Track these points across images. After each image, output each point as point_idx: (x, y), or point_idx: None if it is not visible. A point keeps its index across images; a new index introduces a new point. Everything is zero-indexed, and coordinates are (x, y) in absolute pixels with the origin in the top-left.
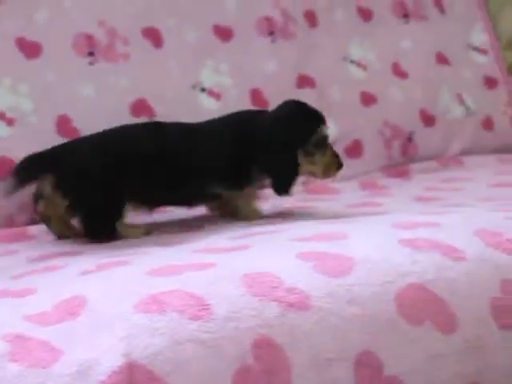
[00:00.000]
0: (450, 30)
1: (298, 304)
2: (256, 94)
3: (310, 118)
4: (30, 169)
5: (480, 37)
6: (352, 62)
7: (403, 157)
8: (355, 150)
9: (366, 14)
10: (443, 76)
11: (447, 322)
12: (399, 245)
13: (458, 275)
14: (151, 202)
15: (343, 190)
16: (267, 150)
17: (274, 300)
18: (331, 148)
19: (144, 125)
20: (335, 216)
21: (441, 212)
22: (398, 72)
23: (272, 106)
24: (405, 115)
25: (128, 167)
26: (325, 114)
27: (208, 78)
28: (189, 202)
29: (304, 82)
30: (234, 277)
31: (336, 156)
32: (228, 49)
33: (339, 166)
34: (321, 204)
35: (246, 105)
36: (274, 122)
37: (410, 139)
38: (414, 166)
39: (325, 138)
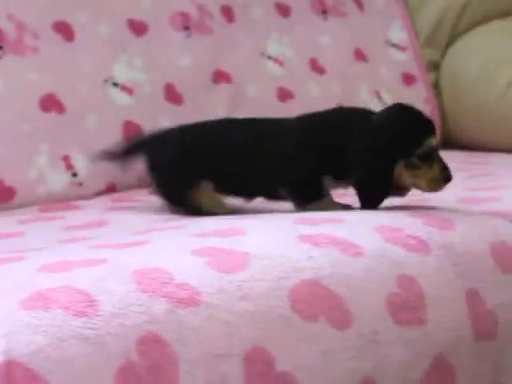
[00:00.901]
0: (368, 26)
1: (188, 300)
2: (170, 90)
3: (416, 127)
4: (131, 147)
5: (399, 34)
6: (269, 57)
7: None
8: None
9: (284, 10)
10: (361, 72)
11: (342, 318)
12: (298, 241)
13: (354, 271)
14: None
15: None
16: (361, 160)
17: (164, 296)
18: (439, 160)
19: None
20: (243, 212)
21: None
22: (316, 68)
23: (186, 101)
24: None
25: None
26: (240, 109)
27: (121, 73)
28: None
29: (220, 77)
30: (124, 273)
31: (444, 169)
32: (142, 43)
33: (447, 180)
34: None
35: (160, 100)
36: (374, 128)
37: None
38: None
39: (431, 150)
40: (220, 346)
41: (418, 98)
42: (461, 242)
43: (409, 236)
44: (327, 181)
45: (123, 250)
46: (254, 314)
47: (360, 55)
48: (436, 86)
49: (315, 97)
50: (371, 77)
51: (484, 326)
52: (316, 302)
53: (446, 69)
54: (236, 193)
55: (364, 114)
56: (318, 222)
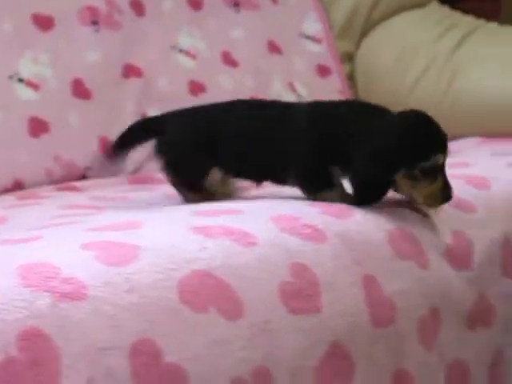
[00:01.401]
0: (282, 19)
1: (72, 294)
2: (77, 85)
3: (429, 140)
4: (138, 132)
5: (313, 26)
6: (181, 51)
7: None
8: None
9: (195, 4)
10: (275, 65)
11: (233, 308)
12: (191, 232)
13: (247, 261)
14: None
15: None
16: (364, 159)
17: (47, 291)
18: (443, 177)
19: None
20: (144, 206)
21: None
22: (229, 61)
23: (95, 96)
24: None
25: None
26: (152, 103)
27: (26, 69)
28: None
29: (130, 71)
30: (10, 268)
31: (445, 187)
32: (48, 39)
33: (445, 198)
34: (141, 194)
35: (67, 95)
36: (388, 131)
37: None
38: None
39: (437, 166)
40: (104, 339)
41: (333, 89)
42: (358, 230)
43: (304, 225)
44: (337, 171)
45: (12, 246)
46: (141, 306)
47: (274, 48)
48: (351, 78)
49: (228, 90)
50: (285, 69)
51: (382, 313)
52: (206, 293)
53: (360, 60)
54: (245, 176)
55: (380, 111)
56: (215, 214)
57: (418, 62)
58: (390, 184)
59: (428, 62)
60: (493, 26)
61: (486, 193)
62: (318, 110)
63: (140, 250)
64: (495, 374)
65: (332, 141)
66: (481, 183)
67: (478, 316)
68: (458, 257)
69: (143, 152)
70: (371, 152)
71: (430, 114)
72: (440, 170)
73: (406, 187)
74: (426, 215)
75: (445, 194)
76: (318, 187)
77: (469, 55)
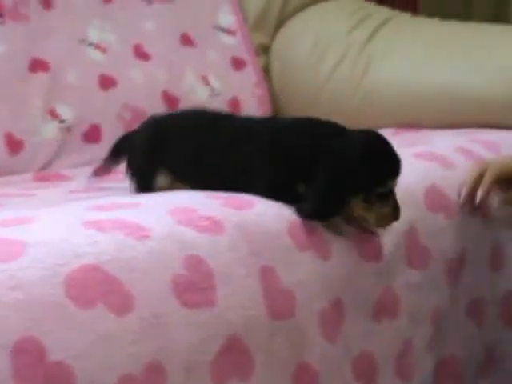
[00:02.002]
0: (196, 11)
1: None
2: None
3: (388, 166)
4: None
5: (227, 18)
6: (90, 44)
7: None
8: (93, 134)
9: None
10: (188, 58)
11: (122, 303)
12: (82, 226)
13: (138, 254)
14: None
15: (76, 177)
16: (328, 178)
17: None
18: (394, 199)
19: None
20: (46, 202)
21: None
22: (140, 54)
23: (0, 91)
24: (146, 98)
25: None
26: (60, 98)
27: None
28: None
29: (37, 65)
30: None
31: (395, 208)
32: None
33: (395, 218)
34: (45, 191)
35: None
36: (348, 154)
37: None
38: None
39: (391, 191)
40: None
41: (248, 82)
42: (257, 221)
43: (202, 217)
44: (302, 187)
45: None
46: (24, 303)
47: (187, 40)
48: (266, 70)
49: (139, 84)
50: (199, 62)
51: (280, 305)
52: (94, 288)
53: (275, 52)
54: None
55: (340, 129)
56: (111, 208)
57: (332, 54)
58: (344, 205)
59: (342, 54)
60: (405, 16)
61: None
62: (280, 124)
63: (27, 246)
64: (403, 365)
65: (296, 156)
66: None
67: (384, 307)
68: (366, 249)
69: (51, 149)
70: (334, 174)
71: (343, 106)
72: (392, 192)
73: (359, 210)
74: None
75: (395, 214)
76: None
77: (381, 47)
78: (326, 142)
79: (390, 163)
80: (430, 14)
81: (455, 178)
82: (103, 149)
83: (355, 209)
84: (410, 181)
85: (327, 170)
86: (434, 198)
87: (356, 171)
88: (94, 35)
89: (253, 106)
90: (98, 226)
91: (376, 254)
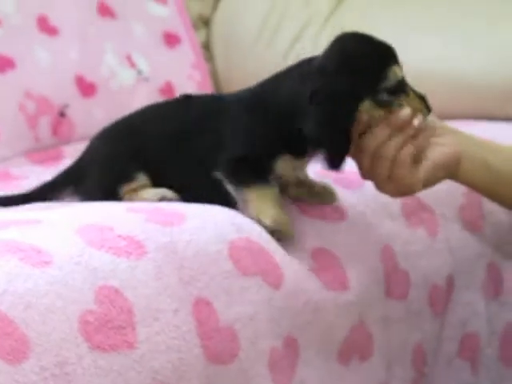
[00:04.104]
0: None
1: None
2: None
3: (376, 56)
4: None
5: None
6: None
7: (54, 137)
8: None
9: None
10: (107, 32)
11: (15, 348)
12: None
13: (36, 286)
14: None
15: None
16: (316, 108)
17: None
18: (413, 90)
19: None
20: None
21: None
22: (46, 28)
23: None
24: (54, 84)
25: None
26: None
27: None
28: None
29: None
30: None
31: (421, 98)
32: None
33: (429, 109)
34: None
35: None
36: (323, 67)
37: (62, 114)
38: (69, 149)
39: (401, 81)
40: None
41: (184, 62)
42: (189, 241)
43: (119, 236)
44: (281, 163)
45: None
46: None
47: (105, 11)
48: (207, 47)
49: (44, 65)
50: (121, 38)
51: (219, 345)
52: None
53: (218, 25)
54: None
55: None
56: (7, 225)
57: (288, 27)
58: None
59: (301, 27)
60: None
61: (357, 192)
62: (248, 95)
63: None
64: None
65: (270, 124)
66: (352, 182)
67: (353, 347)
68: (329, 273)
69: None
70: (317, 97)
71: None
72: (404, 83)
73: (375, 111)
74: None
75: (426, 104)
76: (248, 179)
77: (350, 17)
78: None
79: (377, 51)
80: None
81: (440, 185)
82: (1, 148)
83: (375, 120)
84: None
85: (307, 101)
86: (413, 210)
87: (340, 77)
88: None
89: (190, 92)
90: None
91: (343, 280)
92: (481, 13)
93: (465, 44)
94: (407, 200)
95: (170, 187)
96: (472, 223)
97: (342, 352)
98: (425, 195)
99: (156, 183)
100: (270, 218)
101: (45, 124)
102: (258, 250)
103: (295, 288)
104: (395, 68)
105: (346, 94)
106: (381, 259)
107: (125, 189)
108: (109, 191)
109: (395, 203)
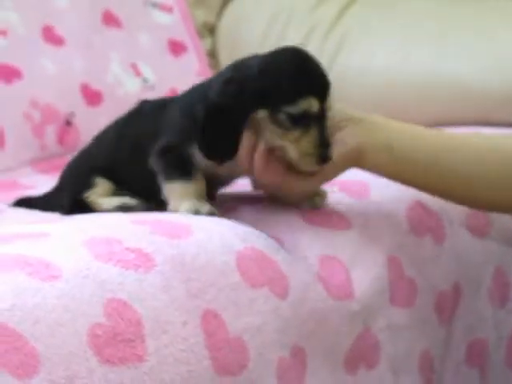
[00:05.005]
0: None
1: None
2: None
3: (296, 79)
4: None
5: None
6: None
7: (60, 146)
8: None
9: None
10: (112, 41)
11: (25, 364)
12: None
13: (45, 300)
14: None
15: None
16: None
17: None
18: (320, 131)
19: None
20: None
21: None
22: (51, 38)
23: None
24: (60, 93)
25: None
26: None
27: None
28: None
29: None
30: None
31: (322, 145)
32: None
33: (322, 159)
34: None
35: None
36: (247, 65)
37: (68, 123)
38: None
39: (309, 115)
40: None
41: (189, 70)
42: (196, 253)
43: (127, 249)
44: (197, 155)
45: None
46: None
47: (110, 20)
48: (212, 55)
49: (50, 74)
50: (126, 46)
51: (228, 357)
52: None
53: (223, 32)
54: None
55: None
56: (10, 239)
57: (293, 35)
58: (244, 123)
59: (305, 35)
60: None
61: (364, 201)
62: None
63: None
64: None
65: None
66: (358, 191)
67: (360, 355)
68: (335, 283)
69: None
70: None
71: None
72: (316, 120)
73: (274, 135)
74: None
75: (322, 151)
76: (171, 170)
77: (353, 26)
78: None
79: (301, 75)
80: None
81: None
82: (7, 157)
83: (270, 133)
84: (388, 197)
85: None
86: (418, 217)
87: (252, 76)
88: None
89: None
90: None
91: (348, 289)
92: (480, 19)
93: (464, 51)
94: (413, 207)
95: (133, 191)
96: (479, 229)
97: (349, 361)
98: (431, 202)
99: (122, 188)
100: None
101: (51, 133)
102: (264, 259)
103: (301, 297)
104: (311, 100)
105: (235, 101)
106: (387, 267)
107: (89, 194)
108: (76, 198)
109: (401, 211)
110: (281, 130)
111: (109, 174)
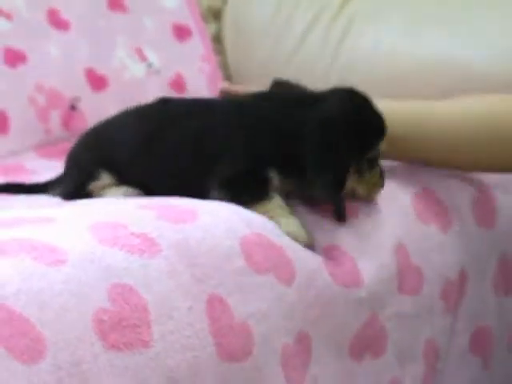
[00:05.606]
0: None
1: None
2: None
3: (373, 126)
4: None
5: None
6: None
7: (65, 130)
8: None
9: None
10: (117, 25)
11: (31, 348)
12: None
13: (50, 285)
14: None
15: None
16: (319, 150)
17: None
18: (378, 163)
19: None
20: None
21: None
22: (56, 22)
23: None
24: (65, 77)
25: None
26: None
27: None
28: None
29: None
30: None
31: (382, 173)
32: None
33: (383, 185)
34: None
35: None
36: (331, 120)
37: (73, 107)
38: None
39: (380, 153)
40: None
41: (194, 55)
42: (201, 238)
43: (132, 234)
44: (275, 176)
45: None
46: None
47: (115, 4)
48: (217, 40)
49: (56, 58)
50: (131, 31)
51: (233, 343)
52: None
53: (229, 17)
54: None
55: (308, 97)
56: (16, 224)
57: (300, 18)
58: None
59: (313, 18)
60: None
61: None
62: (241, 103)
63: None
64: None
65: (264, 138)
66: None
67: (367, 343)
68: (341, 270)
69: None
70: (322, 147)
71: (315, 83)
72: (379, 156)
73: (352, 182)
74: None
75: (382, 180)
76: (251, 197)
77: (362, 9)
78: (301, 112)
79: (374, 121)
80: None
81: (452, 179)
82: (12, 141)
83: (348, 183)
84: (394, 185)
85: (317, 144)
86: (425, 205)
87: (346, 138)
88: None
89: (200, 84)
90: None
91: (354, 276)
92: (491, 4)
93: (476, 34)
94: (420, 195)
95: (137, 185)
96: (485, 217)
97: (354, 348)
98: (437, 190)
99: (125, 182)
100: (303, 237)
101: (55, 117)
102: (270, 244)
103: (306, 283)
104: (382, 141)
105: (350, 148)
106: (393, 255)
107: (92, 186)
108: (79, 188)
109: (407, 198)
110: (356, 176)
111: (115, 168)
